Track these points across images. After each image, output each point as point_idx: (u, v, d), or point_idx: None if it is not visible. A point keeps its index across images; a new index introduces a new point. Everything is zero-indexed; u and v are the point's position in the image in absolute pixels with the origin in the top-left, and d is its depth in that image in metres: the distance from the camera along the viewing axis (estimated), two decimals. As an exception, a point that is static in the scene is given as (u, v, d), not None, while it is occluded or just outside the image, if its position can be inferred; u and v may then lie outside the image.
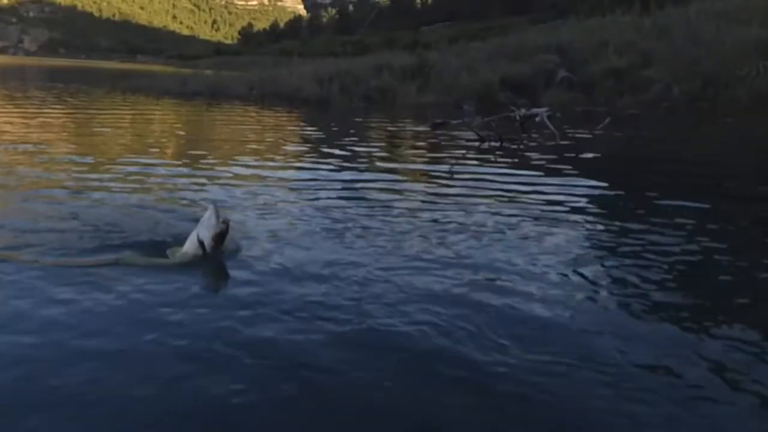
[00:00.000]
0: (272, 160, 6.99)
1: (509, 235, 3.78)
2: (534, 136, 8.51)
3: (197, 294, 2.79)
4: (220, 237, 3.05)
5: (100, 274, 2.90)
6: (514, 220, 4.13)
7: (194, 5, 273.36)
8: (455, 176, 5.81)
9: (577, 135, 8.80)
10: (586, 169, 6.40)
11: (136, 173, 5.57)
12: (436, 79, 16.63)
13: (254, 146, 8.34)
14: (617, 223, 4.25)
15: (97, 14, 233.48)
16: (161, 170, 5.82)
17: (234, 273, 3.03)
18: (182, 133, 10.09)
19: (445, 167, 6.27)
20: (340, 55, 44.86)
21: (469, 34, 42.98)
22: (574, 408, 1.93)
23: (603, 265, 3.27)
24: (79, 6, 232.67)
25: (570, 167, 6.47)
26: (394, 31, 77.95)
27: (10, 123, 9.81)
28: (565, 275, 3.07)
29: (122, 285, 2.78)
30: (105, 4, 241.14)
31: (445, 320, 2.49)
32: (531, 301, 2.72)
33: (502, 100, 14.34)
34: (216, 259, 3.10)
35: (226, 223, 3.04)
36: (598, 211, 4.67)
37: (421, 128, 10.65)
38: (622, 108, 12.23)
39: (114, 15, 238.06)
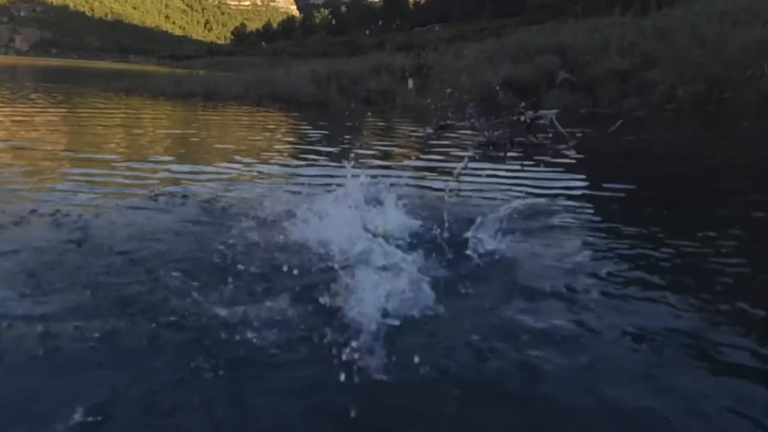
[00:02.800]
0: (285, 164, 6.74)
1: (525, 238, 3.59)
2: (543, 138, 8.27)
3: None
4: None
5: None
6: (533, 224, 3.93)
7: (187, 5, 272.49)
8: (465, 178, 5.58)
9: (588, 137, 8.58)
10: (604, 173, 6.18)
11: (136, 176, 5.31)
12: (436, 81, 16.40)
13: (262, 150, 8.07)
14: (644, 231, 4.03)
15: (89, 14, 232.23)
16: (156, 172, 5.56)
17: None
18: (181, 135, 9.81)
19: (457, 167, 6.04)
20: (333, 56, 44.75)
21: (463, 35, 42.95)
22: None
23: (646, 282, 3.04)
24: (71, 5, 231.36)
25: (584, 170, 6.26)
26: (387, 32, 77.95)
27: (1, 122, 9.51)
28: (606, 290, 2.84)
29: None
30: (97, 3, 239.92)
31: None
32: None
33: (504, 101, 14.14)
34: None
35: None
36: (624, 218, 4.44)
37: (425, 130, 10.41)
38: (627, 110, 12.04)
39: (106, 15, 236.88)
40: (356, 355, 2.11)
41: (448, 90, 15.60)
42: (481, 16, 74.62)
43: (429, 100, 15.27)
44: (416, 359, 2.10)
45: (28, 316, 2.42)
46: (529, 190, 5.26)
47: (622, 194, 5.38)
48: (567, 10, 35.61)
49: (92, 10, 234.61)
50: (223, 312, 2.43)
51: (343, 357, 2.10)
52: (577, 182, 5.68)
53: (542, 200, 4.85)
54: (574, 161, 6.87)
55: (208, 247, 3.26)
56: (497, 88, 14.09)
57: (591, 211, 4.60)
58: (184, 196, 4.56)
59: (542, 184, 5.55)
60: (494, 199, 4.92)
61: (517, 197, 4.95)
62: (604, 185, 5.55)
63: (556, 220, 4.23)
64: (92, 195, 4.56)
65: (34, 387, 1.96)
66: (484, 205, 4.63)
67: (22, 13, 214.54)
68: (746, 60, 12.50)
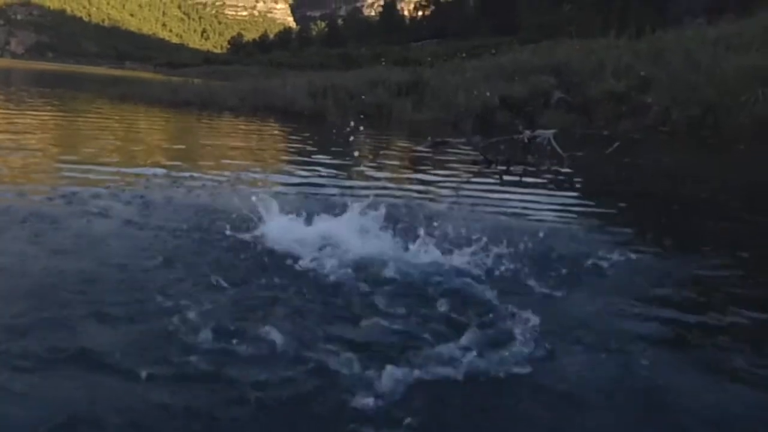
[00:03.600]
0: (281, 181, 6.69)
1: (525, 262, 3.53)
2: (539, 158, 8.25)
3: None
4: None
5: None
6: (533, 247, 3.90)
7: (184, 14, 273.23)
8: (461, 199, 5.55)
9: (585, 159, 8.59)
10: (604, 196, 6.17)
11: (133, 186, 5.24)
12: (432, 97, 16.45)
13: (259, 163, 8.04)
14: (650, 255, 4.01)
15: (86, 19, 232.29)
16: (153, 181, 5.49)
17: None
18: (175, 146, 9.76)
19: (451, 186, 6.03)
20: (329, 68, 44.86)
21: (458, 51, 43.19)
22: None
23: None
24: (69, 10, 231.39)
25: (584, 192, 6.25)
26: (383, 46, 78.25)
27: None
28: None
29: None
30: (95, 9, 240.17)
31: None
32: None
33: (500, 120, 14.18)
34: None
35: None
36: (628, 243, 4.42)
37: (419, 147, 10.40)
38: (622, 131, 12.10)
39: (103, 20, 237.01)
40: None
41: (444, 107, 15.72)
42: (476, 34, 75.14)
43: (424, 116, 15.36)
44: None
45: None
46: (529, 208, 5.23)
47: (617, 212, 5.38)
48: (561, 31, 36.02)
49: (89, 15, 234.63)
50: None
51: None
52: (576, 201, 5.67)
53: (541, 220, 4.83)
54: (572, 181, 6.90)
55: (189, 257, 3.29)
56: (497, 103, 14.15)
57: (594, 230, 4.59)
58: (170, 202, 4.51)
59: (539, 203, 5.53)
60: (482, 214, 4.89)
61: (515, 215, 4.93)
62: (600, 203, 5.55)
63: (562, 242, 4.19)
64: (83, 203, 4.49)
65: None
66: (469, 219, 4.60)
67: (19, 17, 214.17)
68: (740, 85, 12.60)
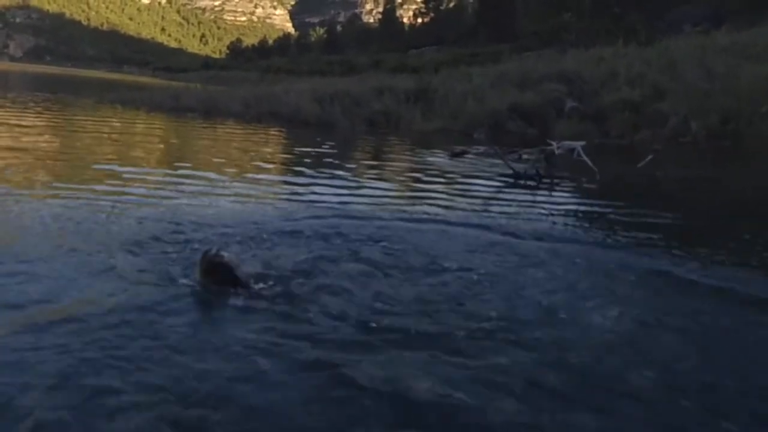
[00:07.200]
0: (300, 188, 6.37)
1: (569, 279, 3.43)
2: (568, 170, 7.92)
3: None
4: (207, 272, 3.05)
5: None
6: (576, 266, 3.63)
7: (183, 18, 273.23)
8: (496, 213, 5.26)
9: (614, 171, 8.29)
10: (645, 212, 5.83)
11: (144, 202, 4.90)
12: (442, 105, 16.12)
13: (274, 175, 7.73)
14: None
15: (84, 23, 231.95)
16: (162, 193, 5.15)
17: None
18: (182, 157, 9.43)
19: (480, 200, 5.75)
20: (328, 74, 44.58)
21: (458, 59, 42.93)
22: None
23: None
24: (68, 14, 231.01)
25: (622, 206, 5.94)
26: (382, 53, 77.89)
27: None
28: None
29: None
30: (93, 13, 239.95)
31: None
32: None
33: (512, 129, 13.89)
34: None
35: (210, 260, 3.03)
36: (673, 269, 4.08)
37: (438, 157, 10.06)
38: (640, 142, 11.80)
39: (102, 24, 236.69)
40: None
41: (454, 115, 15.39)
42: (475, 41, 74.90)
43: (434, 125, 15.02)
44: None
45: None
46: (575, 231, 4.92)
47: (650, 221, 5.09)
48: (560, 39, 35.86)
49: (88, 19, 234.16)
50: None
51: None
52: (619, 220, 5.34)
53: (576, 226, 4.54)
54: (604, 191, 6.62)
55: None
56: (507, 112, 13.86)
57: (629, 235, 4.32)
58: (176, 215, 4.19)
59: (573, 210, 5.21)
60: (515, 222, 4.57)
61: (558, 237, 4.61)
62: (633, 214, 5.26)
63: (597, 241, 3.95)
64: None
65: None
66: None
67: (18, 20, 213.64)
68: (757, 94, 12.31)
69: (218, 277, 3.02)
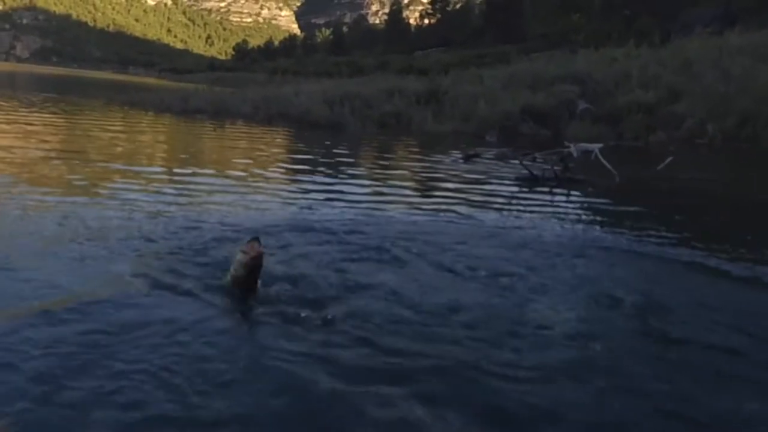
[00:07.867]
0: (323, 196, 6.26)
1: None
2: (584, 173, 7.78)
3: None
4: (248, 268, 2.89)
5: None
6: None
7: (189, 20, 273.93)
8: (517, 216, 5.15)
9: (632, 173, 8.14)
10: (672, 215, 5.69)
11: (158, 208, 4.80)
12: (452, 107, 15.99)
13: (288, 175, 7.63)
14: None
15: (91, 24, 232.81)
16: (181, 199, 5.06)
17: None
18: (193, 158, 9.34)
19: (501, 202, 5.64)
20: (335, 76, 44.52)
21: (465, 60, 42.79)
22: None
23: None
24: (74, 15, 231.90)
25: (645, 209, 5.81)
26: (388, 54, 77.76)
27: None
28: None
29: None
30: (99, 14, 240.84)
31: None
32: None
33: (525, 130, 13.75)
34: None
35: (252, 255, 2.87)
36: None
37: (452, 159, 9.93)
38: (655, 144, 11.65)
39: (108, 26, 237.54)
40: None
41: (465, 117, 15.26)
42: (482, 43, 74.70)
43: (445, 127, 14.89)
44: None
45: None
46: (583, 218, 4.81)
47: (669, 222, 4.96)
48: (569, 40, 35.70)
49: (94, 20, 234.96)
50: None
51: None
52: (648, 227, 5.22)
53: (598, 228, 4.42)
54: (626, 193, 6.50)
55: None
56: (519, 114, 13.72)
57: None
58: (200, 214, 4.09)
59: (611, 228, 5.08)
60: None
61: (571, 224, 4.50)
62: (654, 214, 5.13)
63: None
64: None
65: None
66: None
67: (24, 21, 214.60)
68: (775, 96, 12.13)
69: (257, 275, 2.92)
